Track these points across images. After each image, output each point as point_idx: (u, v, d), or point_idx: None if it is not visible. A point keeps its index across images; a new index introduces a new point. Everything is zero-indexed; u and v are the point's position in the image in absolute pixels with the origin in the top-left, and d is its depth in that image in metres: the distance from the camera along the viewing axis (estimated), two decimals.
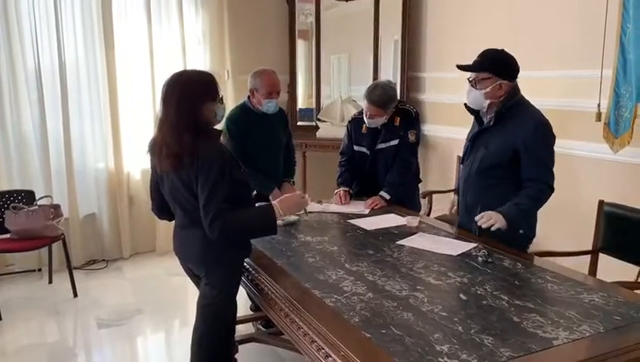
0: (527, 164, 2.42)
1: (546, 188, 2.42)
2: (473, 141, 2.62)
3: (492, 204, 2.43)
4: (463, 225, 2.70)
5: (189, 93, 2.02)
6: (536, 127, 2.41)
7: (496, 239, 2.42)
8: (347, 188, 3.25)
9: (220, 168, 1.99)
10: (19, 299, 3.88)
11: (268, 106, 3.14)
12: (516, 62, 2.47)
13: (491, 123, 2.51)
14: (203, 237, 2.07)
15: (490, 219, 2.33)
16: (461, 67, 2.52)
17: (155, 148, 2.09)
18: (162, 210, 2.28)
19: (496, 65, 2.43)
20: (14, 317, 3.59)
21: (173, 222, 2.29)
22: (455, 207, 2.88)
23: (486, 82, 2.44)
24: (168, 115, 2.02)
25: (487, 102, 2.47)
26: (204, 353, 2.20)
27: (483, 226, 2.35)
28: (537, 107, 3.47)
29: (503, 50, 2.49)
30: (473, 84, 2.48)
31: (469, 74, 2.52)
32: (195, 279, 2.32)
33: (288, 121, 3.61)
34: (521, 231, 2.49)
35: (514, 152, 2.43)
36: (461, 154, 2.78)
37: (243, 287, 2.42)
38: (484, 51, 2.50)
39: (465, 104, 2.58)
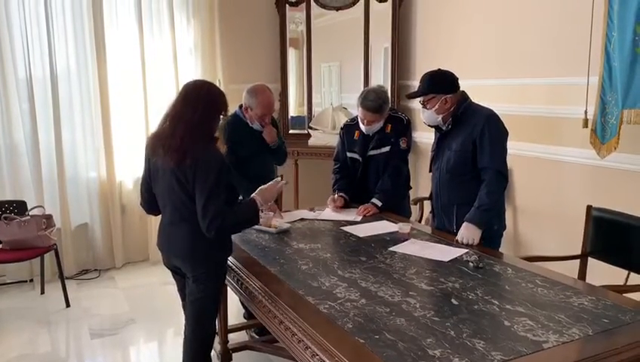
0: (481, 152, 2.66)
1: (499, 177, 2.65)
2: (437, 147, 2.87)
3: (466, 201, 2.67)
4: (439, 226, 2.88)
5: (215, 102, 2.18)
6: (487, 118, 2.68)
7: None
8: (342, 195, 3.27)
9: (219, 171, 2.10)
10: (11, 310, 3.86)
11: (258, 126, 3.23)
12: (452, 75, 2.75)
13: (449, 127, 2.77)
14: (191, 234, 2.17)
15: (470, 237, 2.56)
16: (409, 95, 2.90)
17: (163, 140, 2.14)
18: (151, 205, 2.35)
19: (435, 86, 2.72)
20: (6, 327, 3.57)
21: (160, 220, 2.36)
22: (429, 215, 3.07)
23: (433, 101, 2.72)
24: (189, 117, 2.12)
25: (440, 116, 2.75)
26: (196, 344, 2.29)
27: (467, 243, 2.56)
28: (525, 114, 3.58)
29: (439, 69, 2.78)
30: (424, 105, 2.76)
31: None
32: (178, 277, 2.38)
33: (279, 129, 3.64)
34: (495, 228, 2.73)
35: (473, 145, 2.68)
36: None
37: (236, 295, 2.44)
38: (423, 76, 2.78)
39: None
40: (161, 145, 2.15)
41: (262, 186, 2.37)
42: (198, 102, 2.14)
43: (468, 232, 2.57)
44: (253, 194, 2.32)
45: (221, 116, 2.23)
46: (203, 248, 2.20)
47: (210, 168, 2.09)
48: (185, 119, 2.11)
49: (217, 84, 4.74)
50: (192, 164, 2.07)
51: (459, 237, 2.60)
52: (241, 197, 2.54)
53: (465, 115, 2.71)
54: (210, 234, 2.11)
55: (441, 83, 2.72)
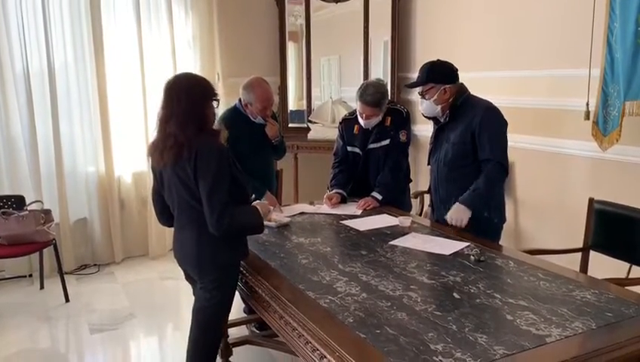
0: (481, 144, 2.64)
1: (499, 168, 2.64)
2: (435, 140, 2.86)
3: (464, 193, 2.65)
4: (439, 220, 2.86)
5: (197, 89, 2.12)
6: (486, 110, 2.67)
7: (470, 231, 2.61)
8: (339, 191, 3.24)
9: (219, 160, 2.05)
10: (10, 305, 3.85)
11: (261, 120, 3.19)
12: (451, 66, 2.74)
13: (447, 119, 2.75)
14: (197, 239, 2.12)
15: (458, 218, 2.61)
16: (408, 85, 2.90)
17: (158, 144, 2.11)
18: (164, 216, 2.31)
19: (435, 75, 2.71)
20: (5, 323, 3.56)
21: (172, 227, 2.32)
22: (428, 208, 3.08)
23: (432, 92, 2.71)
24: (176, 109, 2.07)
25: (439, 107, 2.73)
26: (199, 352, 2.24)
27: (455, 224, 2.63)
28: (526, 106, 3.54)
29: (438, 60, 2.77)
30: (422, 96, 2.74)
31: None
32: (193, 284, 2.33)
33: (279, 123, 3.62)
34: (485, 215, 2.70)
35: (472, 137, 2.66)
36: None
37: (237, 290, 2.42)
38: (423, 66, 2.77)
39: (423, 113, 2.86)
40: (158, 150, 2.10)
41: (258, 203, 2.36)
42: (180, 94, 2.08)
43: (457, 213, 2.60)
44: (254, 204, 2.29)
45: (214, 103, 2.16)
46: (209, 252, 2.13)
47: (210, 156, 2.03)
48: (172, 115, 2.07)
49: (216, 78, 4.76)
50: (191, 155, 2.02)
51: (447, 217, 2.63)
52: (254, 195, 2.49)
53: (463, 107, 2.70)
54: (220, 231, 2.03)
55: (440, 73, 2.71)
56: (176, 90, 2.09)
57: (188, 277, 2.34)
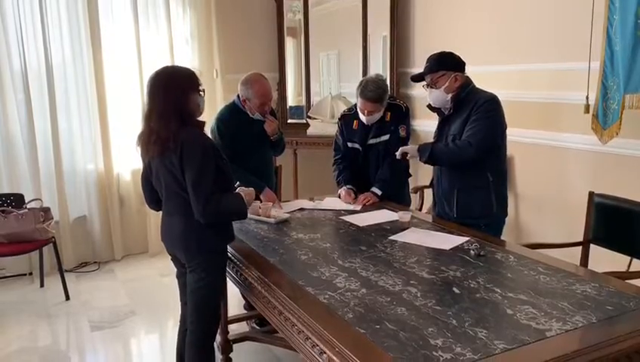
0: (467, 129, 2.63)
1: (467, 145, 2.61)
2: (439, 132, 2.84)
3: (466, 185, 2.69)
4: (440, 215, 2.85)
5: (176, 83, 2.12)
6: (486, 100, 2.64)
7: (479, 227, 2.62)
8: (351, 187, 3.21)
9: (204, 152, 2.08)
10: (10, 304, 3.85)
11: (259, 116, 3.18)
12: (459, 57, 2.73)
13: (451, 111, 2.73)
14: (185, 225, 2.16)
15: (407, 150, 2.83)
16: (416, 77, 2.79)
17: (144, 137, 2.14)
18: (154, 201, 2.34)
19: (446, 62, 2.69)
20: (6, 321, 3.56)
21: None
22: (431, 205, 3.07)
23: (442, 79, 2.67)
24: (157, 104, 2.09)
25: (449, 96, 2.69)
26: (196, 335, 2.26)
27: (399, 157, 2.84)
28: (526, 100, 3.52)
29: (443, 50, 2.75)
30: (432, 85, 2.71)
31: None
32: (180, 269, 2.36)
33: (277, 119, 3.60)
34: (494, 211, 2.70)
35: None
36: None
37: (236, 286, 2.42)
38: (430, 56, 2.74)
39: (428, 105, 2.83)
40: (144, 143, 2.14)
41: (242, 188, 2.35)
42: (159, 89, 2.10)
43: (410, 151, 2.81)
44: (238, 190, 2.30)
45: (199, 94, 2.16)
46: (196, 238, 2.17)
47: (195, 148, 2.06)
48: (154, 110, 2.09)
49: (214, 75, 4.75)
50: (176, 147, 2.05)
51: (400, 150, 2.83)
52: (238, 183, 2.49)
53: (467, 100, 2.68)
54: (206, 219, 2.09)
55: (451, 60, 2.70)
56: (156, 85, 2.11)
57: (174, 259, 2.37)
